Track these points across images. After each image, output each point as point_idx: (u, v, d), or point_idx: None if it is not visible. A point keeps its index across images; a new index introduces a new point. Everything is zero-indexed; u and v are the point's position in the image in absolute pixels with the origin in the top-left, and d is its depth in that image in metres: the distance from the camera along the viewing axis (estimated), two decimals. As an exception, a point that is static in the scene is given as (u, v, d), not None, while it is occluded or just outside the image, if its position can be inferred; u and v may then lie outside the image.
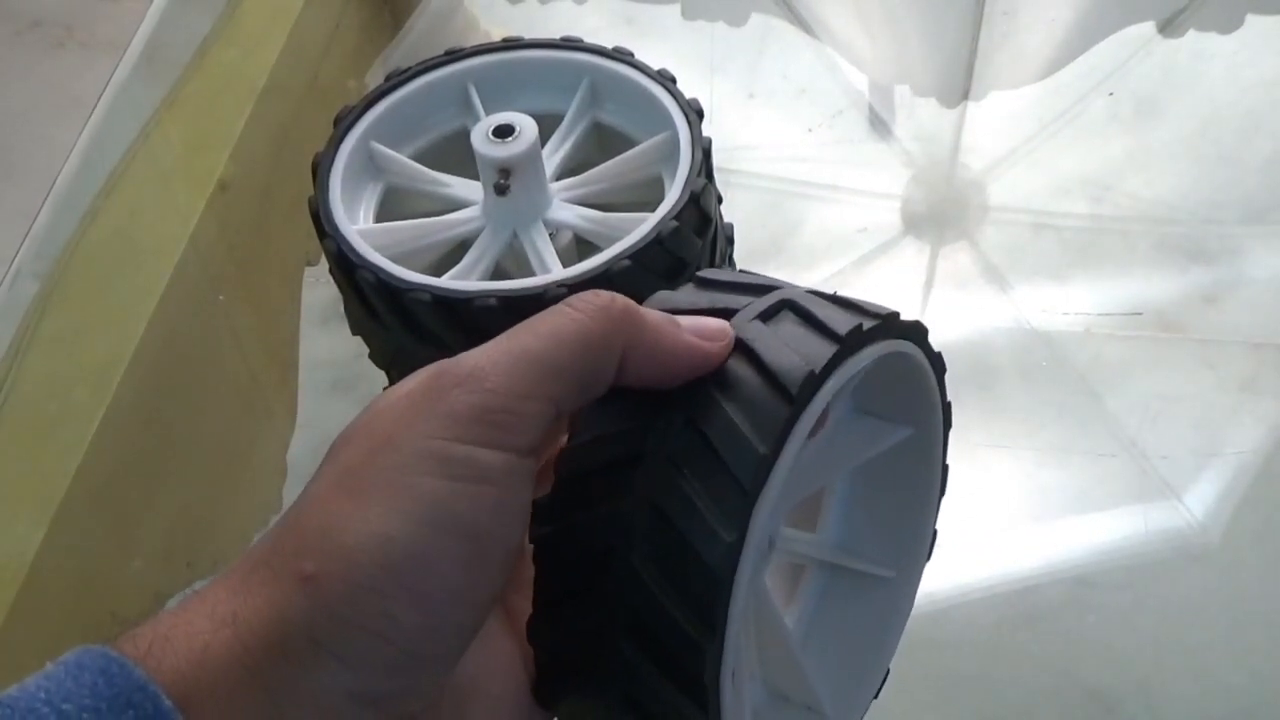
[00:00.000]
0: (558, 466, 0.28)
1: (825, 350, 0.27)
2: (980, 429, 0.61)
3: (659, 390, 0.27)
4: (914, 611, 0.37)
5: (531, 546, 0.28)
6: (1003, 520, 0.58)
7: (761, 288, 0.30)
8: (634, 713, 0.27)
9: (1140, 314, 0.66)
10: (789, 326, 0.28)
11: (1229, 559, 0.56)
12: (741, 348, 0.27)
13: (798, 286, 0.31)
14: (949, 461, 0.36)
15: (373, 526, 0.24)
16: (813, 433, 0.28)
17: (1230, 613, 0.55)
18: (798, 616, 0.37)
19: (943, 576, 0.55)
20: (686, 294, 0.30)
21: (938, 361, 0.34)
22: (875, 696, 0.36)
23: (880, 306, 0.30)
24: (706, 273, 0.31)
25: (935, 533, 0.37)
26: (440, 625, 0.24)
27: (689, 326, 0.28)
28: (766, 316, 0.29)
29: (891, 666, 0.37)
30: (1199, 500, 0.58)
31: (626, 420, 0.27)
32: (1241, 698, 0.52)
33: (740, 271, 0.32)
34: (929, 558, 0.37)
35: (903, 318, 0.31)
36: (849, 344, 0.28)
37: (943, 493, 0.37)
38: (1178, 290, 0.67)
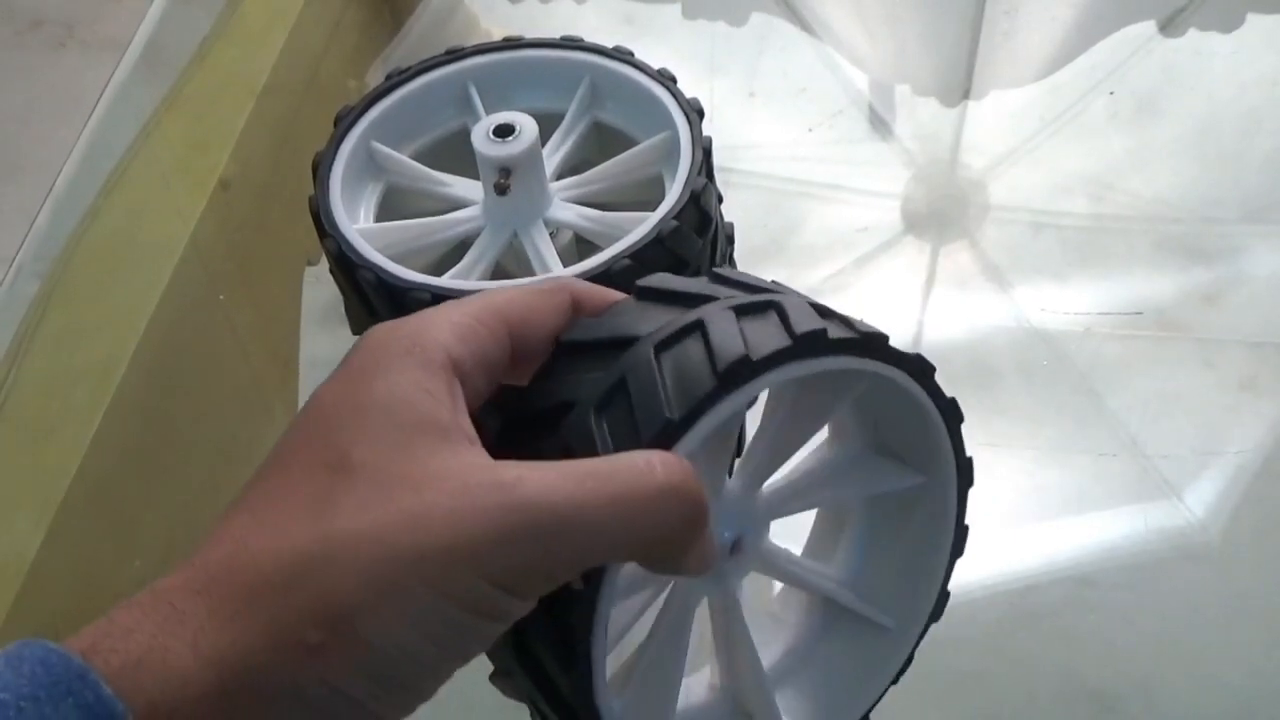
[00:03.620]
0: (506, 407, 0.29)
1: (776, 343, 0.28)
2: (980, 429, 0.60)
3: (613, 349, 0.28)
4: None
5: None
6: (1003, 520, 0.58)
7: (765, 289, 0.30)
8: (520, 646, 0.29)
9: (1140, 313, 0.66)
10: (761, 323, 0.28)
11: (1229, 558, 0.56)
12: (700, 327, 0.28)
13: (804, 297, 0.31)
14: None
15: (397, 637, 0.24)
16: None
17: (1230, 612, 0.55)
18: (790, 646, 0.38)
19: (943, 576, 0.55)
20: (693, 282, 0.31)
21: (949, 409, 0.33)
22: None
23: (871, 327, 0.30)
24: (723, 270, 0.32)
25: (947, 594, 0.37)
26: (418, 701, 0.25)
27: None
28: (747, 310, 0.29)
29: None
30: (1199, 499, 0.58)
31: (574, 371, 0.28)
32: (1241, 696, 0.52)
33: (755, 277, 0.32)
34: (937, 618, 0.37)
35: (897, 347, 0.31)
36: (803, 344, 0.28)
37: (958, 554, 0.36)
38: (1178, 289, 0.67)
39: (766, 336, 0.28)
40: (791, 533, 0.38)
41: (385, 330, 0.27)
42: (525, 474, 0.25)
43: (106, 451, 0.62)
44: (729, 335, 0.27)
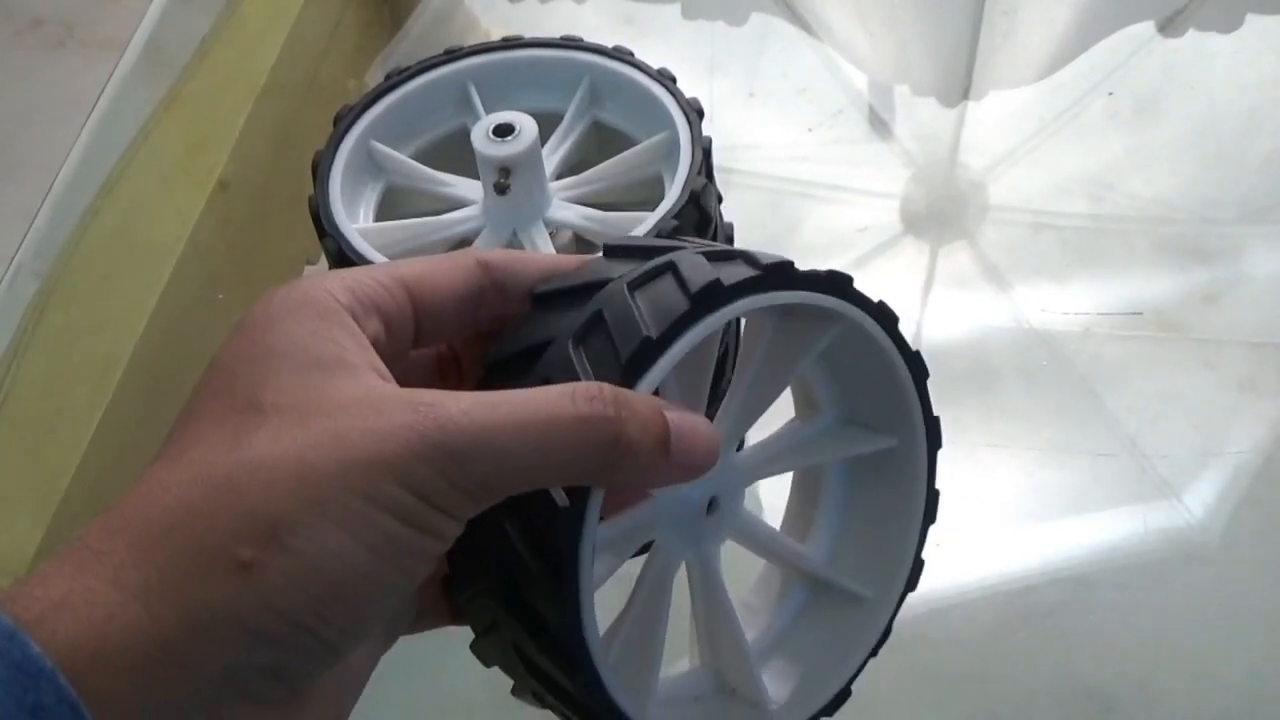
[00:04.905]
0: (485, 357, 0.30)
1: (742, 273, 0.29)
2: (980, 429, 0.61)
3: (587, 292, 0.29)
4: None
5: None
6: (1003, 520, 0.58)
7: (726, 254, 0.31)
8: (507, 586, 0.28)
9: (1140, 314, 0.66)
10: (729, 264, 0.30)
11: (1228, 559, 0.56)
12: (670, 266, 0.29)
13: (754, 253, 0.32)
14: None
15: (330, 543, 0.24)
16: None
17: (1229, 612, 0.55)
18: (770, 623, 0.38)
19: (943, 576, 0.55)
20: (660, 241, 0.32)
21: (914, 362, 0.34)
22: (830, 714, 0.36)
23: (839, 273, 0.32)
24: (681, 237, 0.33)
25: (921, 562, 0.37)
26: (366, 628, 0.25)
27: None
28: (714, 256, 0.30)
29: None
30: (1198, 500, 0.58)
31: (551, 314, 0.29)
32: (1240, 696, 0.52)
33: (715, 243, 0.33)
34: (913, 587, 0.37)
35: (861, 288, 0.32)
36: (771, 275, 0.29)
37: (930, 520, 0.37)
38: (1177, 290, 0.67)
39: (735, 270, 0.29)
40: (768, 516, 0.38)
41: (276, 290, 0.27)
42: (440, 399, 0.25)
43: (106, 451, 0.62)
44: (700, 268, 0.29)
